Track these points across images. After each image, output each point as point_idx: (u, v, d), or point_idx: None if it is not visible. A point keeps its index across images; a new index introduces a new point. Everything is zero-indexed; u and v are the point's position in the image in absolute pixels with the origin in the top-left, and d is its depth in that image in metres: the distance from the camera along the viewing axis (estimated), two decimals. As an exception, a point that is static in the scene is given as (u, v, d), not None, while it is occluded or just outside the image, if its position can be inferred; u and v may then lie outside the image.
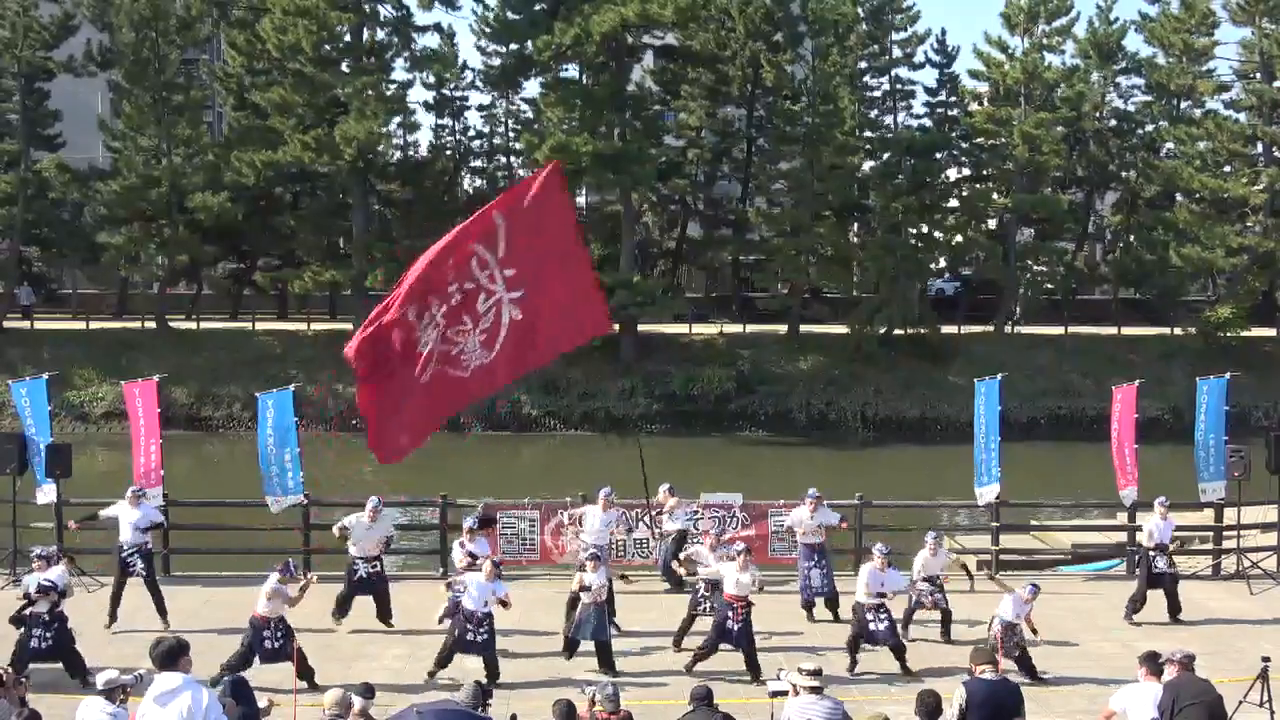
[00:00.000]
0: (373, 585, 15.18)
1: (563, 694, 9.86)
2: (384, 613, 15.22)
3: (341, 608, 15.23)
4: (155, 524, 15.77)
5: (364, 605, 15.26)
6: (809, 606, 15.94)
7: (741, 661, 13.48)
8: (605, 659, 13.62)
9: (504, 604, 13.17)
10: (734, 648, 13.45)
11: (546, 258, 12.58)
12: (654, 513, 17.00)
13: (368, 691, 9.40)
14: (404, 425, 12.16)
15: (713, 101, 47.86)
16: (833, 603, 15.89)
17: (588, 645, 13.78)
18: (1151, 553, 16.12)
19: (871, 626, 13.56)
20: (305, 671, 12.37)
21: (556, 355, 14.39)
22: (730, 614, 13.31)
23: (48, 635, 12.69)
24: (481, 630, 13.00)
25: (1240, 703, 10.75)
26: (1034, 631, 13.72)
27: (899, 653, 13.71)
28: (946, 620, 15.07)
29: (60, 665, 12.89)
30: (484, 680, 11.13)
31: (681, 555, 15.96)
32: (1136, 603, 16.03)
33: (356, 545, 15.12)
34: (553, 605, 15.79)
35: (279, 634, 12.65)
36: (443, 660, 13.21)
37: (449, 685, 12.85)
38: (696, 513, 17.87)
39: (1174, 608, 16.06)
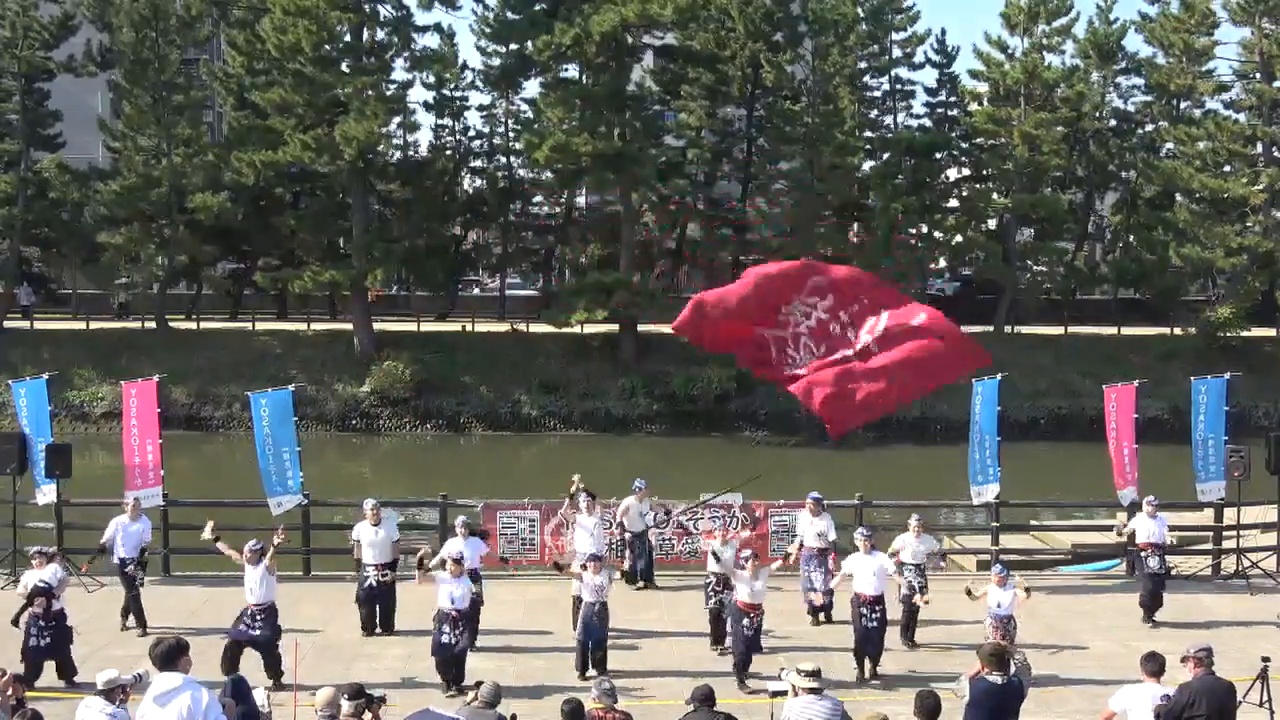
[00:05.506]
0: (379, 596, 15.20)
1: (562, 694, 9.86)
2: (387, 624, 15.25)
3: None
4: (146, 543, 15.76)
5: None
6: (815, 611, 15.82)
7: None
8: (599, 660, 13.55)
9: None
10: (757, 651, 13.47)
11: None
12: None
13: (355, 693, 9.36)
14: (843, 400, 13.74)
15: (713, 101, 47.80)
16: (827, 609, 15.84)
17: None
18: (1143, 553, 16.14)
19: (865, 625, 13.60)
20: (275, 669, 12.85)
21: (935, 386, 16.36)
22: (747, 620, 13.27)
23: (46, 634, 12.85)
24: (457, 631, 12.90)
25: (1240, 702, 10.73)
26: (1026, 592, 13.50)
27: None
28: (912, 620, 14.97)
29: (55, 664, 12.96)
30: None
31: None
32: (1149, 608, 15.96)
33: (370, 551, 15.12)
34: (553, 605, 15.82)
35: (259, 620, 13.04)
36: (452, 673, 13.05)
37: (443, 686, 12.89)
38: (660, 516, 17.87)
39: (1154, 605, 16.00)
